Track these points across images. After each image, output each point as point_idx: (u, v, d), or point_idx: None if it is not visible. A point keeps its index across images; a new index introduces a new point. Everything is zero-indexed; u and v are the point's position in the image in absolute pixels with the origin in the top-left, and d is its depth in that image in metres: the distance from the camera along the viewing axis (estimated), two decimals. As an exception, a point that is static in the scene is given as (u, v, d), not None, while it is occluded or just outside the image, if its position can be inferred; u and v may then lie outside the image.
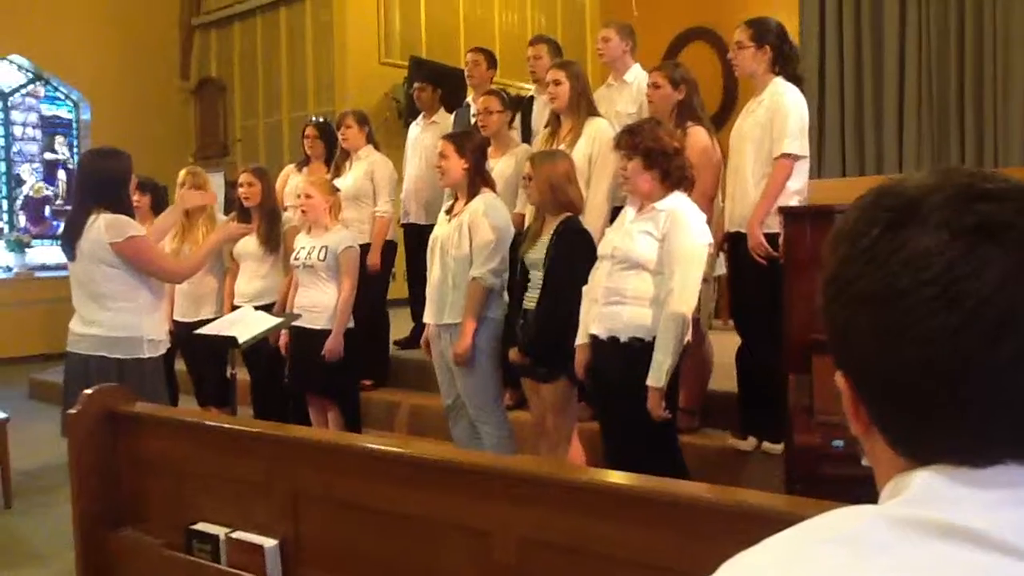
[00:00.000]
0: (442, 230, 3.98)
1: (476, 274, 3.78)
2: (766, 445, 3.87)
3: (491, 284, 3.80)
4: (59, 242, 9.22)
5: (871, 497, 0.69)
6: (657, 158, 3.17)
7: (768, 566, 0.64)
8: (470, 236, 3.81)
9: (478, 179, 3.91)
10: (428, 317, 4.04)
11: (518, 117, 5.24)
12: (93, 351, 3.55)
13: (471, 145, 3.94)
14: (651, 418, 3.09)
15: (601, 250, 3.32)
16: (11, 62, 9.31)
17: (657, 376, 3.06)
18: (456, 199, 4.00)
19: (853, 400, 0.68)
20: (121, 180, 3.63)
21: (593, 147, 4.14)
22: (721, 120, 6.67)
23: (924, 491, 0.62)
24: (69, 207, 9.56)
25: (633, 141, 3.22)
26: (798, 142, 3.74)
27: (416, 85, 5.90)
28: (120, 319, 3.55)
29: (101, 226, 3.52)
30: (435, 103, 5.75)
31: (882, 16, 7.50)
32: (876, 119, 7.57)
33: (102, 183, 3.57)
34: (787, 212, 3.37)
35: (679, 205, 3.18)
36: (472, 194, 3.89)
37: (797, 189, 3.78)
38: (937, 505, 0.60)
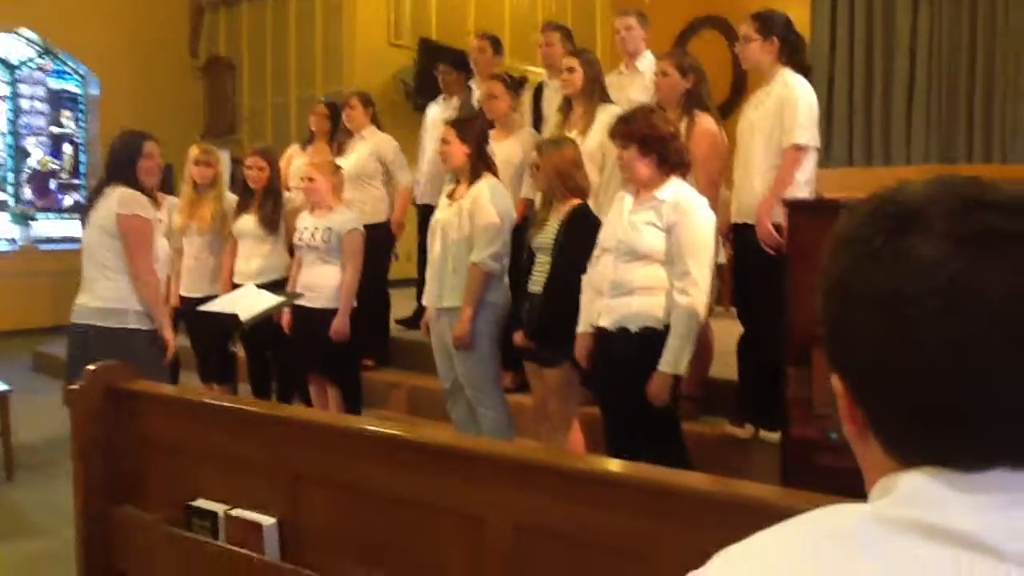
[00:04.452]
0: (443, 214, 3.99)
1: (476, 259, 3.78)
2: (763, 433, 3.88)
3: (491, 269, 3.80)
4: (66, 215, 9.35)
5: (864, 489, 0.70)
6: (653, 143, 3.17)
7: (758, 560, 0.66)
8: (471, 220, 3.82)
9: (480, 164, 3.91)
10: (427, 300, 4.06)
11: (527, 101, 5.23)
12: (86, 320, 3.65)
13: (473, 130, 3.95)
14: (657, 406, 3.10)
15: (602, 242, 3.31)
16: (19, 35, 9.29)
17: (674, 362, 3.07)
18: (458, 183, 4.00)
19: (849, 402, 0.69)
20: (128, 156, 3.76)
21: (606, 134, 4.15)
22: (730, 109, 6.64)
23: (913, 492, 0.63)
24: (75, 181, 9.68)
25: (628, 129, 3.22)
26: (808, 133, 3.73)
27: (442, 68, 5.89)
28: (112, 290, 3.66)
29: (115, 197, 3.66)
30: (460, 86, 5.74)
31: (894, 6, 7.45)
32: (885, 110, 7.53)
33: (122, 159, 3.75)
34: (791, 204, 3.36)
35: (681, 193, 3.17)
36: (474, 178, 3.89)
37: (806, 180, 3.77)
38: (926, 506, 0.61)
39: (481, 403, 3.90)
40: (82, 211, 3.85)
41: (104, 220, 3.67)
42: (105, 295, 3.66)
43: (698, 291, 3.08)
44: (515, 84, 5.03)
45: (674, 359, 3.07)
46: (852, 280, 0.66)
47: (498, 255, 3.81)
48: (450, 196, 4.01)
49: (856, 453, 0.72)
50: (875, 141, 7.57)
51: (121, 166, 3.75)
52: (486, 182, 3.88)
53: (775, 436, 3.70)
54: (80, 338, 3.68)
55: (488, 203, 3.81)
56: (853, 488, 0.73)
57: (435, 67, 6.11)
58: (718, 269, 4.39)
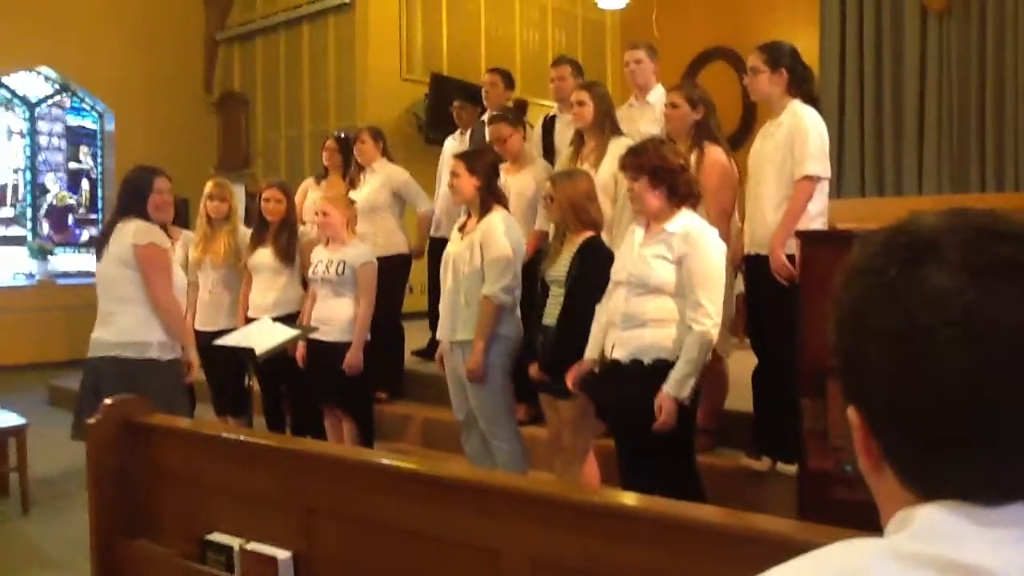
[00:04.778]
0: (454, 247, 4.01)
1: (487, 292, 3.80)
2: (780, 466, 3.85)
3: (503, 302, 3.81)
4: (83, 250, 9.45)
5: (880, 523, 0.69)
6: (663, 175, 3.19)
7: None
8: (482, 253, 3.84)
9: (490, 197, 3.94)
10: (441, 333, 4.07)
11: (539, 134, 5.28)
12: (107, 353, 3.67)
13: (482, 163, 3.97)
14: (670, 439, 3.09)
15: (615, 276, 3.33)
16: (39, 73, 9.45)
17: (678, 387, 3.06)
18: (469, 216, 4.02)
19: (865, 434, 0.68)
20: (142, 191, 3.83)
21: (618, 166, 4.17)
22: (740, 140, 6.67)
23: (930, 527, 0.62)
24: (92, 216, 9.79)
25: (638, 161, 3.24)
26: (819, 164, 3.73)
27: (456, 103, 5.95)
28: (133, 322, 3.70)
29: (131, 229, 3.72)
30: (474, 121, 5.80)
31: (903, 36, 7.49)
32: (896, 140, 7.55)
33: (135, 193, 3.82)
34: (804, 235, 3.37)
35: (691, 225, 3.19)
36: (484, 212, 3.91)
37: (819, 211, 3.77)
38: (942, 541, 0.61)
39: (495, 436, 3.89)
40: (96, 246, 3.89)
41: (121, 252, 3.72)
42: (126, 327, 3.69)
43: (710, 321, 3.09)
44: (517, 115, 5.08)
45: (678, 384, 3.07)
46: (865, 311, 0.66)
47: (509, 288, 3.83)
48: (461, 229, 4.03)
49: (871, 486, 0.71)
50: (887, 171, 7.58)
51: (132, 201, 3.82)
52: (496, 215, 3.90)
53: (792, 469, 3.67)
54: (97, 371, 3.71)
55: (498, 236, 3.83)
56: (871, 522, 0.72)
57: (447, 101, 6.17)
58: (736, 300, 4.41)
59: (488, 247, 3.83)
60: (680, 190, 3.21)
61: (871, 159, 7.65)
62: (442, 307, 4.07)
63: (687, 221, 3.20)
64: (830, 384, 2.72)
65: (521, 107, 5.57)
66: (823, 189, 3.80)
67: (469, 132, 5.71)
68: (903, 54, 7.49)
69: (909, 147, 7.46)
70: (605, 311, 3.34)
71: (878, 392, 0.65)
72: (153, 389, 3.44)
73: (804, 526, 1.61)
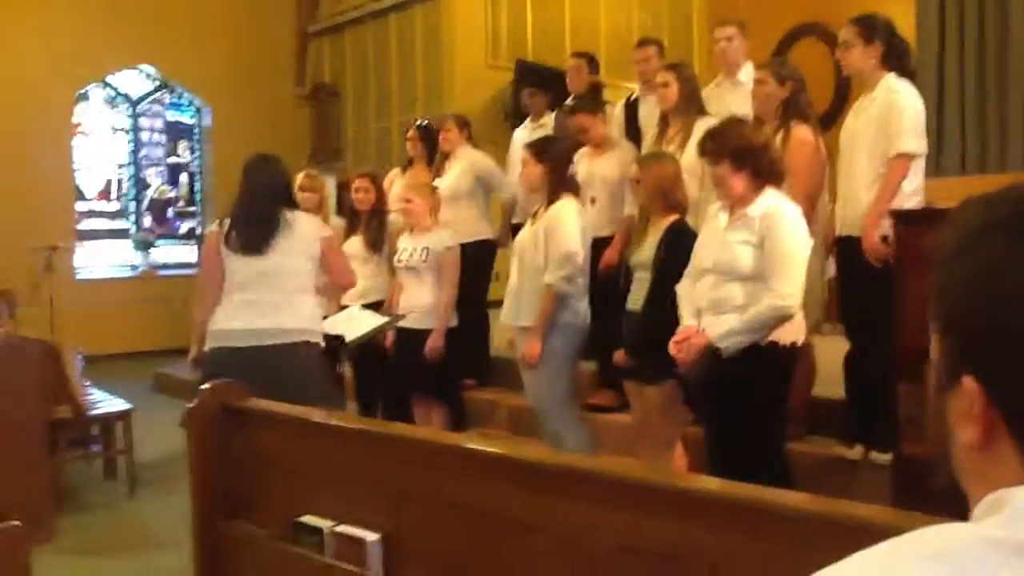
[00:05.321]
0: (523, 234, 4.03)
1: (549, 280, 3.79)
2: (874, 454, 3.74)
3: (564, 291, 3.80)
4: (182, 242, 9.77)
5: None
6: (745, 157, 3.08)
7: None
8: (546, 241, 3.83)
9: (558, 185, 3.91)
10: (505, 317, 4.08)
11: (622, 116, 5.23)
12: (282, 340, 3.55)
13: (551, 151, 3.96)
14: (759, 425, 3.04)
15: (699, 262, 3.23)
16: (140, 71, 9.83)
17: (724, 337, 2.99)
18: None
19: (985, 404, 0.64)
20: (290, 183, 3.94)
21: (697, 151, 4.11)
22: (832, 119, 6.48)
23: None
24: (191, 208, 10.15)
25: (717, 144, 3.15)
26: (915, 140, 3.60)
27: (527, 91, 5.95)
28: (308, 309, 3.66)
29: (308, 222, 3.71)
30: (546, 108, 5.79)
31: (1007, 5, 7.14)
32: (999, 115, 7.20)
33: (284, 186, 3.79)
34: (900, 215, 3.26)
35: (773, 206, 3.08)
36: (551, 200, 3.90)
37: (914, 190, 3.64)
38: None
39: (555, 423, 3.90)
40: (248, 236, 3.62)
41: (307, 246, 3.64)
42: (304, 315, 3.64)
43: (780, 298, 2.98)
44: (594, 101, 5.05)
45: (725, 335, 3.00)
46: (1003, 271, 0.63)
47: (571, 277, 3.81)
48: (533, 216, 4.04)
49: (965, 465, 0.68)
50: (990, 148, 7.25)
51: (285, 191, 3.78)
52: (564, 203, 3.88)
53: (886, 457, 3.56)
54: (251, 360, 3.47)
55: (563, 224, 3.81)
56: (966, 511, 0.69)
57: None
58: (827, 285, 4.29)
59: (552, 235, 3.82)
60: (764, 170, 3.10)
61: (972, 135, 7.32)
62: (508, 292, 4.09)
63: (769, 201, 3.10)
64: (928, 368, 2.63)
65: (596, 89, 5.53)
66: (919, 166, 3.66)
67: (552, 121, 5.70)
68: (1008, 23, 7.14)
69: (1014, 122, 7.11)
70: (689, 294, 3.26)
71: (1016, 358, 0.62)
72: (321, 371, 3.63)
73: (899, 513, 1.57)
